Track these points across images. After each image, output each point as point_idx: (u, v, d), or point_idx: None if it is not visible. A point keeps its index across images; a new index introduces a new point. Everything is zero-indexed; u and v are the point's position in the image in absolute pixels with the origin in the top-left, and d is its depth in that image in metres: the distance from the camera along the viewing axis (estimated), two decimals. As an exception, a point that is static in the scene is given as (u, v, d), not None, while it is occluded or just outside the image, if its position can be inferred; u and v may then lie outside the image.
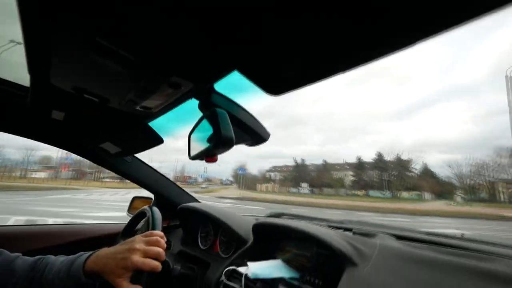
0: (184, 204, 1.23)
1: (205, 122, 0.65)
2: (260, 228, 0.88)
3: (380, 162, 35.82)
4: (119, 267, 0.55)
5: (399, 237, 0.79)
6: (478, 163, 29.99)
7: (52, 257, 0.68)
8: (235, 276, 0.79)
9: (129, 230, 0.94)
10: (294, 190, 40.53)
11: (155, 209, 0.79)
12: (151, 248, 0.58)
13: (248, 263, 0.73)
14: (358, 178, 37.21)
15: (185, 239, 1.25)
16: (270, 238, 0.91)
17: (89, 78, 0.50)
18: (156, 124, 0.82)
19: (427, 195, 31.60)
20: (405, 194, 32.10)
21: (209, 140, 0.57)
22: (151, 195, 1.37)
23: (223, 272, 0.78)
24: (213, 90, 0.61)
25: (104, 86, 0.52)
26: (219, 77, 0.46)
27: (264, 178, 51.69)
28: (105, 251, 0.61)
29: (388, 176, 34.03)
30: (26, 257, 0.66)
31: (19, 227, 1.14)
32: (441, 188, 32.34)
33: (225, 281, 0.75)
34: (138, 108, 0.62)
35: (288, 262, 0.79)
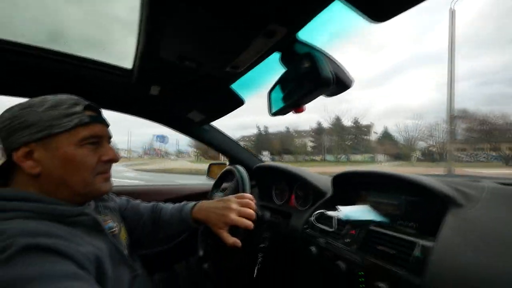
0: (261, 163, 1.33)
1: (290, 74, 0.67)
2: (341, 178, 0.91)
3: (338, 127, 34.69)
4: (220, 221, 0.66)
5: (506, 184, 0.71)
6: (431, 125, 30.34)
7: (162, 203, 0.85)
8: (321, 221, 0.85)
9: (219, 185, 1.10)
10: (254, 158, 39.97)
11: (242, 169, 0.89)
12: (244, 209, 0.67)
13: (339, 206, 0.77)
14: (317, 144, 36.70)
15: (261, 196, 1.38)
16: (350, 189, 0.92)
17: (192, 42, 0.57)
18: (236, 86, 0.89)
19: (381, 157, 31.77)
20: (358, 157, 32.78)
21: (299, 87, 0.59)
22: (221, 161, 1.53)
23: (313, 215, 0.84)
24: (297, 40, 0.62)
25: (205, 48, 0.59)
26: (317, 11, 0.46)
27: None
28: (206, 204, 0.73)
29: (344, 140, 34.32)
30: (144, 203, 0.85)
31: (129, 187, 1.43)
32: (397, 150, 32.63)
33: (314, 222, 0.82)
34: (227, 69, 0.68)
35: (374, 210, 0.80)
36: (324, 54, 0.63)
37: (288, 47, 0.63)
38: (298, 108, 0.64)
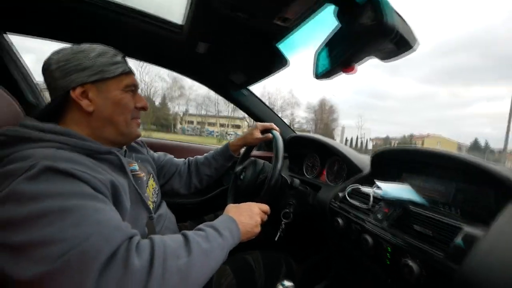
0: (296, 134, 1.31)
1: (344, 30, 0.61)
2: (382, 155, 0.84)
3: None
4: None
5: None
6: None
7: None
8: (352, 196, 0.82)
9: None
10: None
11: (278, 134, 0.88)
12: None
13: (377, 182, 0.73)
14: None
15: (292, 168, 1.37)
16: (391, 169, 0.86)
17: None
18: (282, 46, 0.85)
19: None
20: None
21: (353, 43, 0.54)
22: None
23: (346, 189, 0.82)
24: None
25: None
26: None
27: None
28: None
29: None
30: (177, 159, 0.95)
31: (161, 141, 1.49)
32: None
33: (347, 197, 0.79)
34: (276, 21, 0.64)
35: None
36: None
37: None
38: (348, 67, 0.59)
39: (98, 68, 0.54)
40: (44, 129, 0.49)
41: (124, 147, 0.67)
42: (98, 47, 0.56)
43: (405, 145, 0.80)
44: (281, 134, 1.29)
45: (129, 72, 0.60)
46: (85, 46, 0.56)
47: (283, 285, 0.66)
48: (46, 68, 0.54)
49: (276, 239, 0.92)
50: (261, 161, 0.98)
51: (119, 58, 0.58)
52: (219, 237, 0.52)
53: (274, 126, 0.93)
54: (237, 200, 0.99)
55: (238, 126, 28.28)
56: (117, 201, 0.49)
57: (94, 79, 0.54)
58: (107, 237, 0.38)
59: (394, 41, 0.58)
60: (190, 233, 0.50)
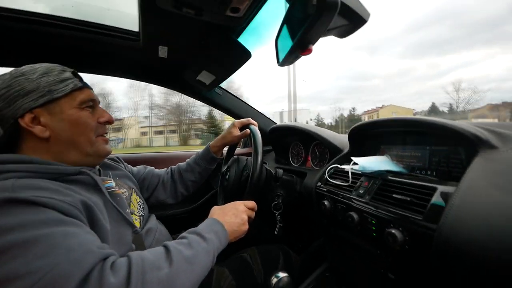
0: (276, 125, 1.31)
1: (294, 10, 0.60)
2: (358, 131, 0.85)
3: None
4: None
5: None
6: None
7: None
8: (334, 176, 0.82)
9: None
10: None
11: (255, 128, 0.87)
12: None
13: (353, 158, 0.73)
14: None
15: (278, 159, 1.37)
16: (369, 143, 0.87)
17: None
18: (242, 39, 0.83)
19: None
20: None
21: (303, 22, 0.53)
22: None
23: (326, 171, 0.82)
24: None
25: None
26: None
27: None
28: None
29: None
30: (158, 169, 0.92)
31: (139, 154, 1.45)
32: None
33: (328, 178, 0.80)
34: (228, 13, 0.63)
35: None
36: None
37: None
38: (305, 50, 0.58)
39: (44, 89, 0.50)
40: (2, 160, 0.45)
41: (97, 166, 0.64)
42: (40, 67, 0.52)
43: (377, 119, 0.80)
44: (261, 127, 1.28)
45: (83, 87, 0.56)
46: (26, 68, 0.51)
47: (277, 277, 0.66)
48: None
49: (276, 232, 0.92)
50: (244, 158, 0.97)
51: (67, 74, 0.54)
52: (203, 241, 0.50)
53: (252, 121, 0.92)
54: (227, 201, 0.98)
55: (118, 129, 25.44)
56: (93, 222, 0.47)
57: (42, 101, 0.50)
58: (77, 261, 0.36)
59: (345, 17, 0.58)
60: (171, 243, 0.48)
